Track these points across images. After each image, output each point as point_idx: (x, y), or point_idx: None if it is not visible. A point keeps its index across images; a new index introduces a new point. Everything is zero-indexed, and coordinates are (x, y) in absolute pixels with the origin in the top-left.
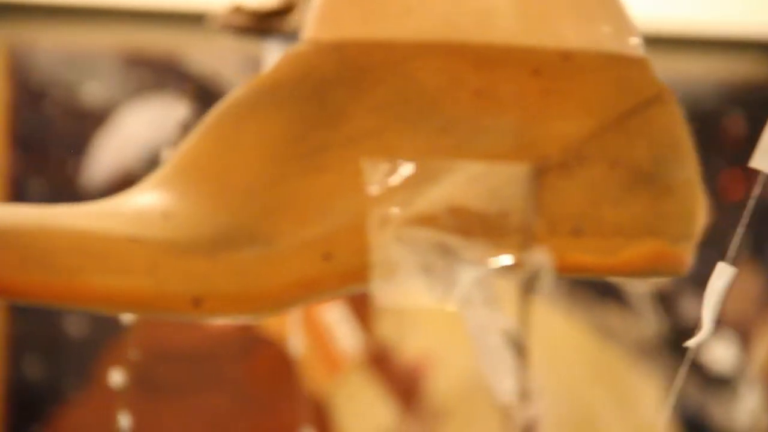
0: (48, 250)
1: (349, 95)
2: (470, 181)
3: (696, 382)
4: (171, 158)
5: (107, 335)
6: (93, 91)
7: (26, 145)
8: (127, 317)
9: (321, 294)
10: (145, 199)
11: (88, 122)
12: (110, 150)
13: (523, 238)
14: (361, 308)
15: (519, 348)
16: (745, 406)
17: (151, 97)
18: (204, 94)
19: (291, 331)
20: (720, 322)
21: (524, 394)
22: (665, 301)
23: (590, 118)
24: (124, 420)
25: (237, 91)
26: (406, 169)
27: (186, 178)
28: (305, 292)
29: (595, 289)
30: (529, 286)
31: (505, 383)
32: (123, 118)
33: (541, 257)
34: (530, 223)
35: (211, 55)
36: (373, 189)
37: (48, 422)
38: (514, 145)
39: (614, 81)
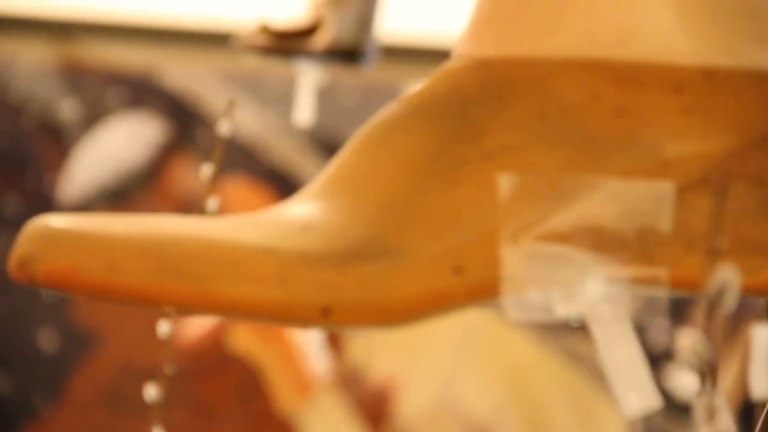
0: (183, 259)
1: (490, 111)
2: (608, 199)
3: (660, 408)
4: (322, 173)
5: (79, 352)
6: (70, 107)
7: (2, 160)
8: (163, 330)
9: (450, 307)
10: (287, 211)
11: (65, 138)
12: (87, 166)
13: (707, 255)
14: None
15: (707, 365)
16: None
17: (128, 114)
18: (180, 112)
19: (260, 350)
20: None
21: (712, 412)
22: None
23: (733, 136)
24: None
25: (389, 106)
26: (543, 185)
27: (329, 192)
28: (434, 305)
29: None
30: (714, 303)
31: (632, 398)
32: (100, 135)
33: (727, 274)
34: (715, 240)
35: (188, 73)
36: (508, 204)
37: None
38: (654, 163)
39: (758, 99)
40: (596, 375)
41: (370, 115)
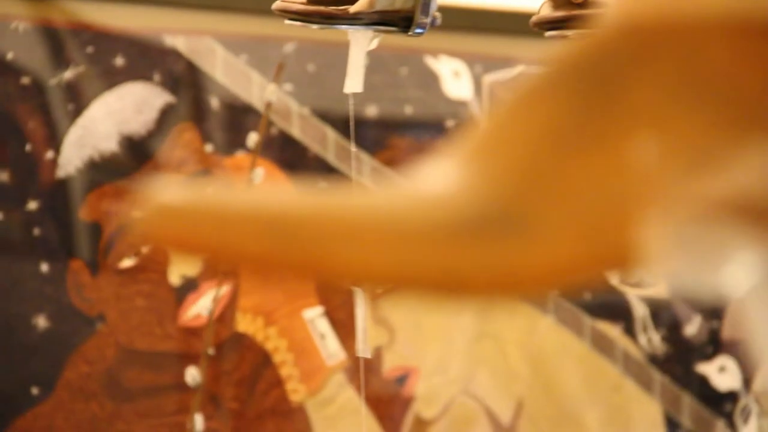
0: (318, 231)
1: (635, 76)
2: (758, 166)
3: (695, 399)
4: (460, 140)
5: (76, 335)
6: (69, 71)
7: None
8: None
9: (584, 276)
10: (424, 180)
11: (60, 107)
12: (83, 136)
13: None
14: (344, 318)
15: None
16: (746, 425)
17: (126, 82)
18: (180, 81)
19: (269, 336)
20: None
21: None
22: (663, 318)
23: None
24: (199, 421)
25: (535, 74)
26: (689, 152)
27: (467, 159)
28: (569, 274)
29: (593, 306)
30: None
31: None
32: (97, 104)
33: None
34: None
35: (194, 39)
36: (649, 171)
37: (11, 428)
38: None
39: None
40: (623, 364)
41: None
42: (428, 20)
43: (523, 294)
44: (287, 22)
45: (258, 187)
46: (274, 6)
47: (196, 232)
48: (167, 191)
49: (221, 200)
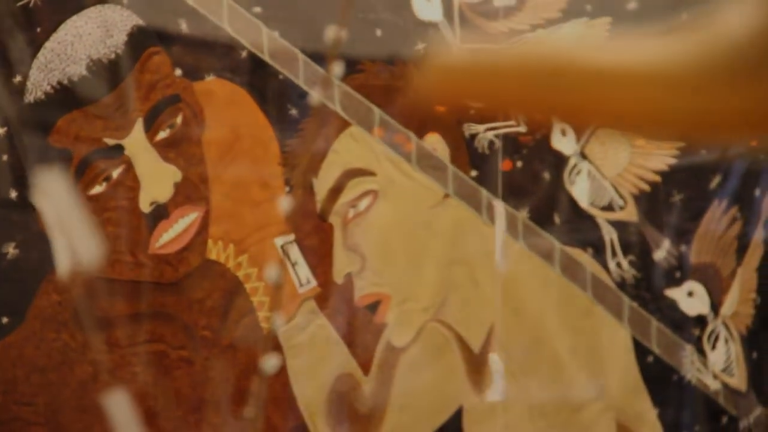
0: (581, 77)
1: None
2: None
3: (664, 323)
4: None
5: (41, 269)
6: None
7: None
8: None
9: None
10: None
11: (28, 30)
12: (52, 60)
13: None
14: (315, 245)
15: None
16: (714, 349)
17: (95, 4)
18: (150, 3)
19: (244, 265)
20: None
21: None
22: (632, 243)
23: None
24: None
25: None
26: None
27: None
28: None
29: (562, 231)
30: None
31: None
32: (65, 27)
33: None
34: None
35: None
36: None
37: None
38: None
39: None
40: (593, 290)
41: None
42: None
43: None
44: None
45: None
46: None
47: (471, 87)
48: (445, 56)
49: (489, 58)
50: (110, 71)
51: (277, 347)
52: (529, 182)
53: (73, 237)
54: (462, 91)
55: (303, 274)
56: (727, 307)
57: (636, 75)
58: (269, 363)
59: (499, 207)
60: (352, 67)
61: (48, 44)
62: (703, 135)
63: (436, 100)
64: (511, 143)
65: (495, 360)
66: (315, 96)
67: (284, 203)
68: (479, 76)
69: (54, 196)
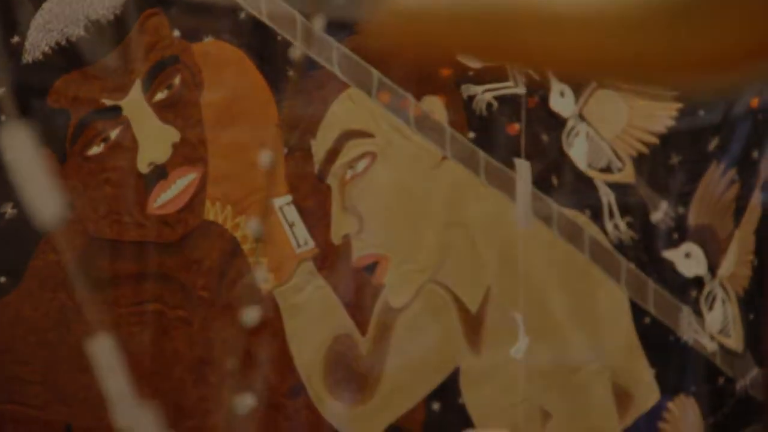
0: (524, 22)
1: None
2: None
3: (661, 285)
4: None
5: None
6: None
7: None
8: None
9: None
10: None
11: None
12: (50, 20)
13: None
14: (312, 206)
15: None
16: (711, 311)
17: None
18: None
19: (242, 226)
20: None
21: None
22: (630, 204)
23: None
24: None
25: None
26: None
27: None
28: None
29: (560, 192)
30: None
31: None
32: None
33: None
34: None
35: None
36: None
37: None
38: None
39: None
40: (590, 251)
41: None
42: None
43: (700, 80)
44: None
45: None
46: None
47: (428, 30)
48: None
49: (446, 1)
50: (109, 32)
51: (274, 308)
52: (529, 145)
53: (33, 193)
54: (419, 35)
55: (301, 235)
56: (725, 268)
57: (589, 18)
58: (249, 315)
59: (524, 166)
60: (349, 29)
61: (46, 5)
62: (667, 77)
63: (393, 44)
64: (510, 106)
65: (518, 318)
66: (297, 50)
67: (264, 158)
68: (436, 20)
69: (17, 150)
